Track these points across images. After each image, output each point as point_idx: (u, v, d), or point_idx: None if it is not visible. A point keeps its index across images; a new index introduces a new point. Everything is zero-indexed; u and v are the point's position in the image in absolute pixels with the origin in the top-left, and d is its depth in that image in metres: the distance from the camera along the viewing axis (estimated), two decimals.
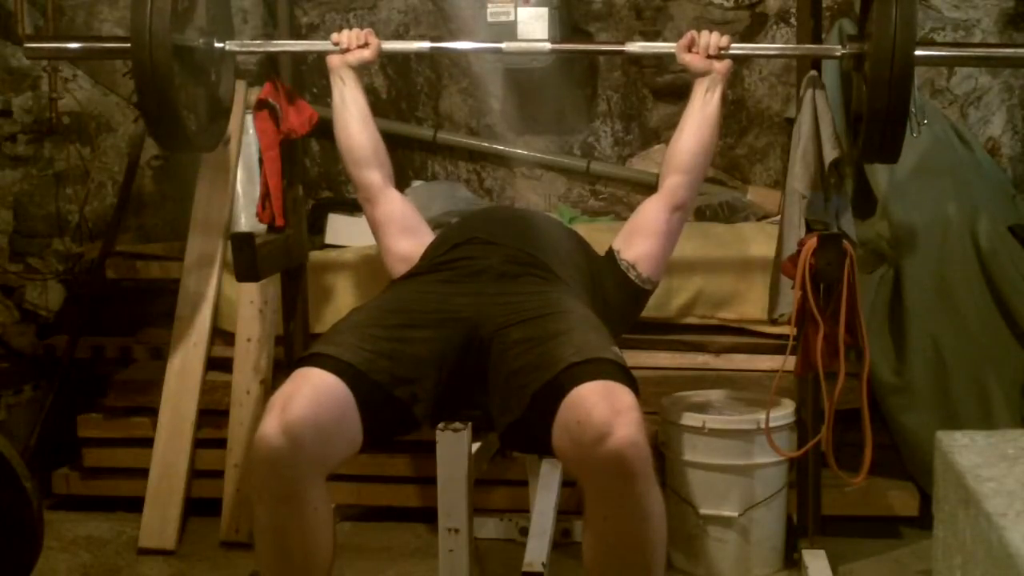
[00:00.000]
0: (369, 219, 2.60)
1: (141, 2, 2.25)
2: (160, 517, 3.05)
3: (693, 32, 2.44)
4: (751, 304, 3.04)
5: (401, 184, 3.69)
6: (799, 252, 2.50)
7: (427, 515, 2.14)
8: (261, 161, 2.86)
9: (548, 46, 2.62)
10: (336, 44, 2.51)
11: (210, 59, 2.50)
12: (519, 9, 3.35)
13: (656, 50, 2.76)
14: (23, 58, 3.83)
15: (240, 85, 3.42)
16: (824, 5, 3.34)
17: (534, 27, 3.36)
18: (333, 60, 2.52)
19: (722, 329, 3.13)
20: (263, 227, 2.88)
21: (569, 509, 2.72)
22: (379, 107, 3.75)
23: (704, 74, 2.43)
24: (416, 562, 2.89)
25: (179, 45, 2.32)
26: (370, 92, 3.73)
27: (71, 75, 3.81)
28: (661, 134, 3.68)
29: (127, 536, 3.09)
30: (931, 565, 1.15)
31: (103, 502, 3.26)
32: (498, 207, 3.53)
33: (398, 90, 3.75)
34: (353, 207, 3.19)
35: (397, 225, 2.53)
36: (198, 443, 3.15)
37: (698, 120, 2.43)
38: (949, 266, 3.04)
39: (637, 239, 2.46)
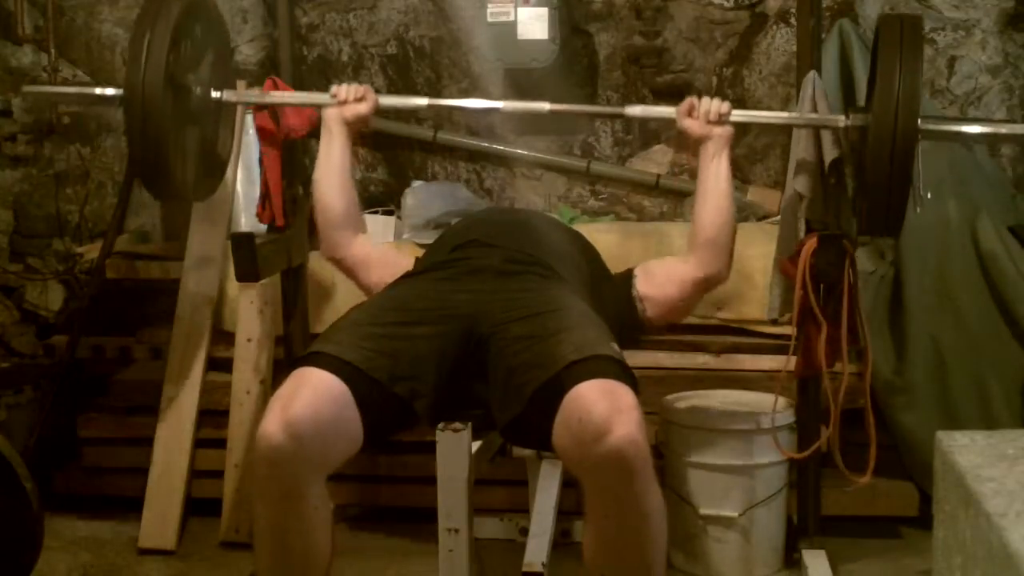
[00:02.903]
0: (341, 269, 2.55)
1: (137, 51, 2.19)
2: (160, 517, 3.05)
3: (693, 98, 2.39)
4: (751, 304, 3.04)
5: (401, 184, 3.71)
6: (799, 252, 2.50)
7: (427, 515, 2.13)
8: (261, 161, 2.87)
9: (547, 107, 2.57)
10: (334, 97, 2.47)
11: (207, 109, 2.43)
12: (519, 9, 3.35)
13: (656, 115, 2.69)
14: (23, 58, 3.83)
15: (240, 85, 3.43)
16: (824, 5, 3.34)
17: (534, 27, 3.36)
18: (329, 113, 2.48)
19: (722, 329, 3.13)
20: (263, 227, 2.88)
21: (569, 509, 2.72)
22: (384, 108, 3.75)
23: (704, 140, 2.37)
24: (416, 562, 2.89)
25: (175, 95, 2.25)
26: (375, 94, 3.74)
27: (71, 75, 3.81)
28: (661, 134, 3.68)
29: (127, 536, 3.08)
30: (931, 565, 1.15)
31: (103, 502, 3.25)
32: (498, 209, 3.53)
33: (398, 90, 3.75)
34: None
35: (375, 263, 2.48)
36: (198, 443, 3.15)
37: (712, 191, 2.37)
38: (949, 266, 3.04)
39: (659, 282, 2.41)
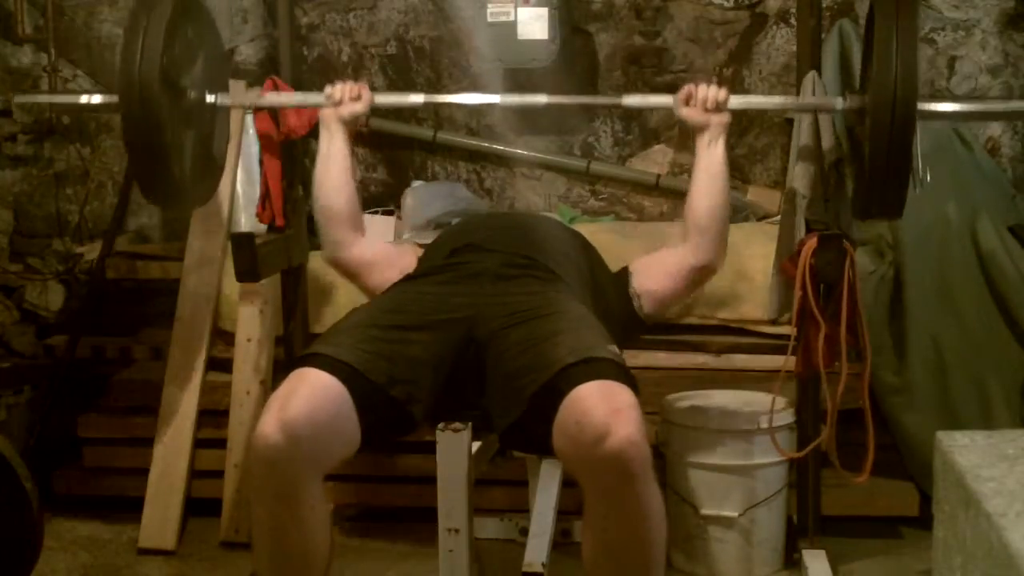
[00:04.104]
0: (344, 273, 2.55)
1: (130, 56, 2.17)
2: (160, 517, 3.05)
3: (691, 86, 2.40)
4: (751, 304, 3.04)
5: (401, 184, 3.71)
6: (799, 252, 2.50)
7: (427, 515, 2.13)
8: (261, 161, 2.86)
9: (544, 99, 2.56)
10: (329, 97, 2.47)
11: (202, 113, 2.41)
12: (519, 9, 3.35)
13: (654, 104, 2.68)
14: (23, 58, 3.83)
15: (240, 85, 3.43)
16: (824, 5, 3.34)
17: (534, 27, 3.36)
18: (325, 112, 2.48)
19: (722, 329, 3.13)
20: (263, 227, 2.88)
21: (569, 509, 2.71)
22: (379, 107, 3.75)
23: (702, 128, 2.38)
24: (416, 562, 2.89)
25: (170, 98, 2.23)
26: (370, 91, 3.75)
27: (71, 75, 3.81)
28: (661, 134, 3.68)
29: (127, 536, 3.08)
30: (931, 565, 1.15)
31: (103, 502, 3.25)
32: (496, 213, 3.53)
33: (398, 90, 3.75)
34: None
35: (379, 264, 2.48)
36: (198, 443, 3.15)
37: (707, 177, 2.39)
38: (949, 266, 3.04)
39: (653, 274, 2.44)
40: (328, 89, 2.48)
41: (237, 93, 2.85)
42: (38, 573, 2.56)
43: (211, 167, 2.50)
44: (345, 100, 2.46)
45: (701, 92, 2.37)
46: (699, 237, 2.39)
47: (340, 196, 2.47)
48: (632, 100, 2.59)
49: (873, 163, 2.10)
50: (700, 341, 3.11)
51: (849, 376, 2.47)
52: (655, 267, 2.45)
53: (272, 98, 2.72)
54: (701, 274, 2.45)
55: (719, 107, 2.37)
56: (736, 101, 2.41)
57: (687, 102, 2.39)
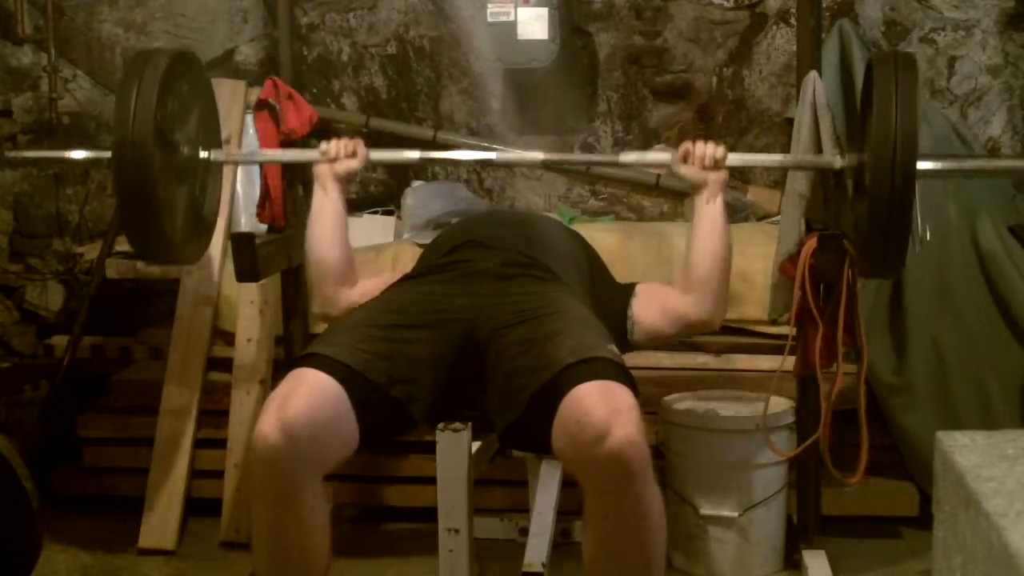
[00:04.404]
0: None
1: (124, 112, 2.15)
2: (160, 517, 3.05)
3: (689, 143, 2.37)
4: (751, 304, 3.04)
5: (401, 184, 3.71)
6: (799, 252, 2.50)
7: (427, 515, 2.14)
8: None
9: (540, 156, 2.55)
10: (324, 154, 2.44)
11: (195, 169, 2.40)
12: (519, 9, 3.35)
13: (651, 161, 2.66)
14: (23, 58, 3.83)
15: (240, 85, 3.43)
16: (824, 5, 3.35)
17: (534, 27, 3.36)
18: (320, 169, 2.44)
19: (722, 329, 3.11)
20: (263, 227, 2.88)
21: (569, 509, 2.72)
22: (379, 107, 3.76)
23: (701, 185, 2.35)
24: (416, 562, 2.89)
25: (164, 154, 2.22)
26: (370, 92, 3.75)
27: (71, 75, 3.81)
28: (661, 134, 3.68)
29: (127, 536, 3.08)
30: (931, 565, 1.15)
31: (103, 502, 3.25)
32: (497, 210, 3.53)
33: (398, 90, 3.75)
34: (352, 208, 3.18)
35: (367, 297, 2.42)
36: (198, 443, 3.15)
37: (706, 234, 2.35)
38: (949, 266, 3.04)
39: (652, 307, 2.39)
40: (323, 145, 2.44)
41: (229, 151, 2.79)
42: (38, 573, 2.56)
43: (202, 226, 2.46)
44: (340, 156, 2.43)
45: (699, 150, 2.34)
46: (697, 294, 2.35)
47: (335, 252, 2.41)
48: (629, 158, 2.58)
49: (872, 223, 2.07)
50: (700, 341, 3.10)
51: (846, 376, 2.47)
52: (656, 301, 2.40)
53: (267, 155, 2.73)
54: (696, 329, 2.43)
55: (717, 164, 2.34)
56: (734, 158, 2.39)
57: (685, 160, 2.35)
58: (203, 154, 2.42)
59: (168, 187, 2.26)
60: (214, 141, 2.49)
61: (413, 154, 2.58)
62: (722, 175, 2.35)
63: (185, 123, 2.35)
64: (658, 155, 2.48)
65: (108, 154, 2.24)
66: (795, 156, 2.57)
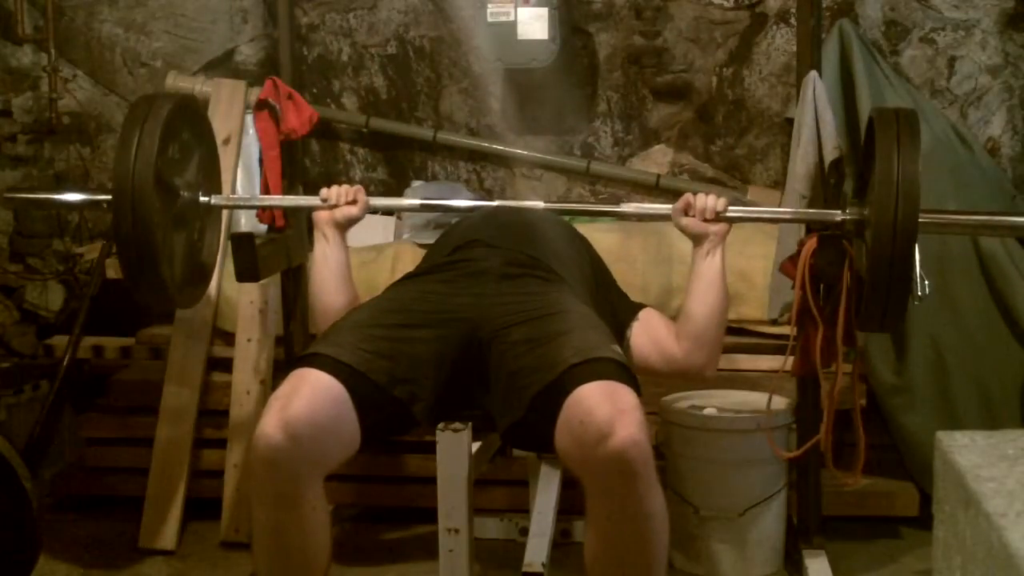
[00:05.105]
0: None
1: (125, 156, 2.15)
2: (160, 517, 3.05)
3: (689, 196, 2.34)
4: (751, 304, 3.04)
5: (401, 184, 3.71)
6: (799, 252, 2.50)
7: (427, 515, 2.14)
8: (261, 161, 2.86)
9: (541, 205, 2.58)
10: (325, 200, 2.42)
11: (195, 214, 2.40)
12: (519, 9, 3.35)
13: (651, 212, 2.65)
14: (23, 58, 3.83)
15: (240, 85, 3.43)
16: (824, 5, 3.35)
17: (534, 27, 3.36)
18: (320, 216, 2.43)
19: None
20: (263, 227, 2.88)
21: (569, 509, 2.72)
22: (379, 107, 3.76)
23: (701, 237, 2.33)
24: (416, 562, 2.89)
25: (163, 198, 2.22)
26: (370, 92, 3.75)
27: (71, 75, 3.81)
28: (661, 134, 3.68)
29: (127, 536, 3.08)
30: (931, 565, 1.15)
31: (103, 502, 3.25)
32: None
33: (398, 90, 3.75)
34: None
35: None
36: (198, 443, 3.15)
37: (704, 286, 2.33)
38: (949, 266, 3.04)
39: (649, 336, 2.37)
40: (324, 192, 2.43)
41: (228, 195, 2.79)
42: (38, 573, 2.56)
43: (201, 272, 2.46)
44: (341, 203, 2.41)
45: (699, 202, 2.32)
46: (692, 344, 2.32)
47: (340, 299, 2.40)
48: (629, 208, 2.59)
49: (873, 279, 2.07)
50: None
51: (846, 376, 2.47)
52: (655, 333, 2.37)
53: (268, 200, 2.74)
54: (687, 376, 2.41)
55: (717, 217, 2.31)
56: (735, 211, 2.36)
57: (685, 212, 2.33)
58: (203, 199, 2.42)
59: (167, 234, 2.25)
60: (214, 186, 2.49)
61: (414, 202, 2.73)
62: (723, 227, 2.32)
63: (185, 169, 2.36)
64: (658, 207, 2.49)
65: (106, 197, 2.25)
66: (795, 210, 2.55)
